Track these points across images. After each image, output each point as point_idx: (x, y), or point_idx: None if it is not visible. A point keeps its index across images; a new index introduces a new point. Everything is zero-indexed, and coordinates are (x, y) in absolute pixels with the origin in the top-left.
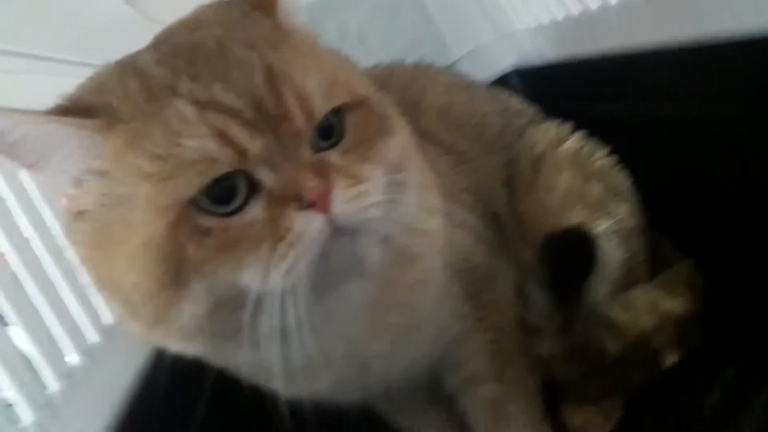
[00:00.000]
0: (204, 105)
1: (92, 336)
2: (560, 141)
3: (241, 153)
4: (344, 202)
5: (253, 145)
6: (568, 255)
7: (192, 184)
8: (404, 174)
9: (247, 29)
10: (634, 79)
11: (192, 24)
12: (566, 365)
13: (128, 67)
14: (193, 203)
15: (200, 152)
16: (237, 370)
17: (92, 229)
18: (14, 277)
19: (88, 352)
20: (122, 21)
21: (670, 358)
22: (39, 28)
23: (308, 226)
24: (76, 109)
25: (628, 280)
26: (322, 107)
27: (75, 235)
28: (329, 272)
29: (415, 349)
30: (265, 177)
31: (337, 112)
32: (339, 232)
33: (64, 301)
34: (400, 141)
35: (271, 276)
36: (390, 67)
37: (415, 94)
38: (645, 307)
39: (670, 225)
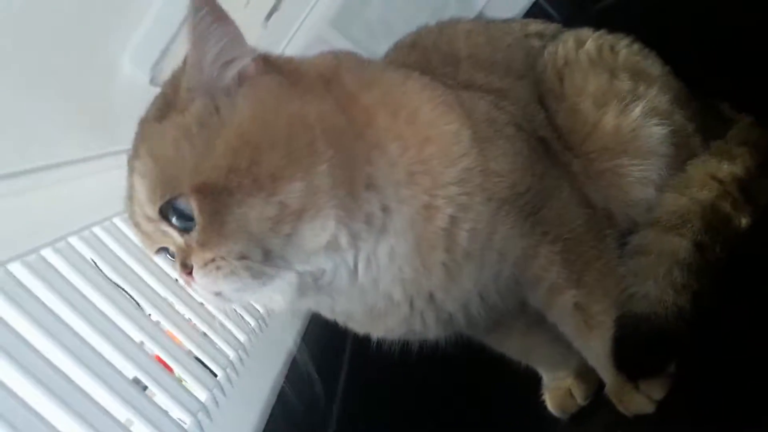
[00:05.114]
0: (134, 224)
1: None
2: (580, 45)
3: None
4: (200, 279)
5: (148, 246)
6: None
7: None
8: (309, 210)
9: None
10: None
11: None
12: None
13: None
14: None
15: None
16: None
17: None
18: None
19: None
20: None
21: (744, 221)
22: (87, 131)
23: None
24: None
25: (682, 156)
26: (150, 211)
27: None
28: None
29: (477, 276)
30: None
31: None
32: None
33: None
34: (297, 187)
35: None
36: (416, 31)
37: (447, 49)
38: (701, 181)
39: (722, 87)
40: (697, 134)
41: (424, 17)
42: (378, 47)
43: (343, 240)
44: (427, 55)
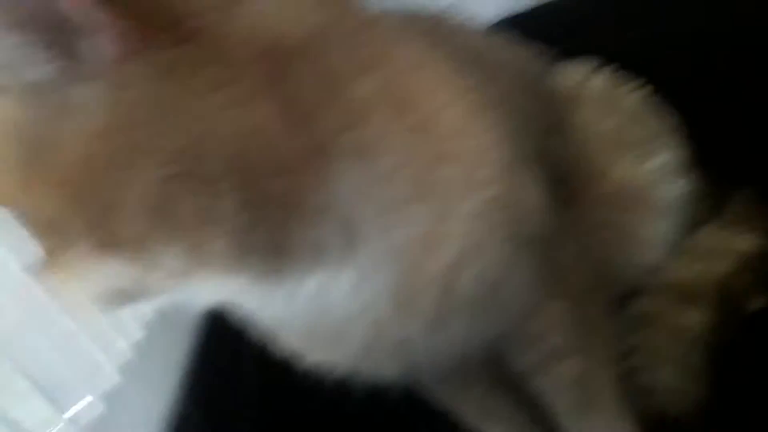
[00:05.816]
0: None
1: None
2: (588, 78)
3: None
4: None
5: None
6: None
7: None
8: None
9: None
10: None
11: None
12: None
13: None
14: None
15: None
16: None
17: None
18: None
19: None
20: None
21: (756, 303)
22: None
23: None
24: None
25: (694, 218)
26: None
27: None
28: None
29: (466, 330)
30: None
31: None
32: None
33: None
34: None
35: None
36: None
37: (461, 41)
38: (717, 251)
39: (717, 155)
40: (708, 199)
41: None
42: None
43: (265, 287)
44: (436, 41)
